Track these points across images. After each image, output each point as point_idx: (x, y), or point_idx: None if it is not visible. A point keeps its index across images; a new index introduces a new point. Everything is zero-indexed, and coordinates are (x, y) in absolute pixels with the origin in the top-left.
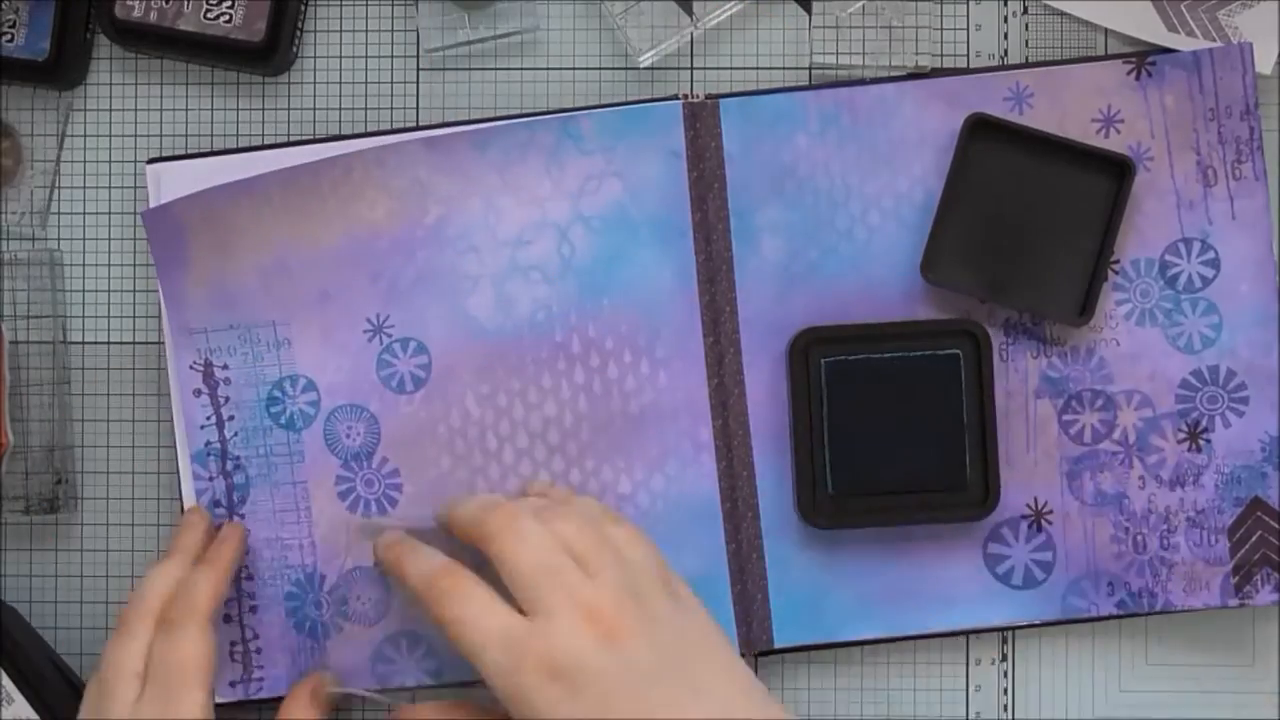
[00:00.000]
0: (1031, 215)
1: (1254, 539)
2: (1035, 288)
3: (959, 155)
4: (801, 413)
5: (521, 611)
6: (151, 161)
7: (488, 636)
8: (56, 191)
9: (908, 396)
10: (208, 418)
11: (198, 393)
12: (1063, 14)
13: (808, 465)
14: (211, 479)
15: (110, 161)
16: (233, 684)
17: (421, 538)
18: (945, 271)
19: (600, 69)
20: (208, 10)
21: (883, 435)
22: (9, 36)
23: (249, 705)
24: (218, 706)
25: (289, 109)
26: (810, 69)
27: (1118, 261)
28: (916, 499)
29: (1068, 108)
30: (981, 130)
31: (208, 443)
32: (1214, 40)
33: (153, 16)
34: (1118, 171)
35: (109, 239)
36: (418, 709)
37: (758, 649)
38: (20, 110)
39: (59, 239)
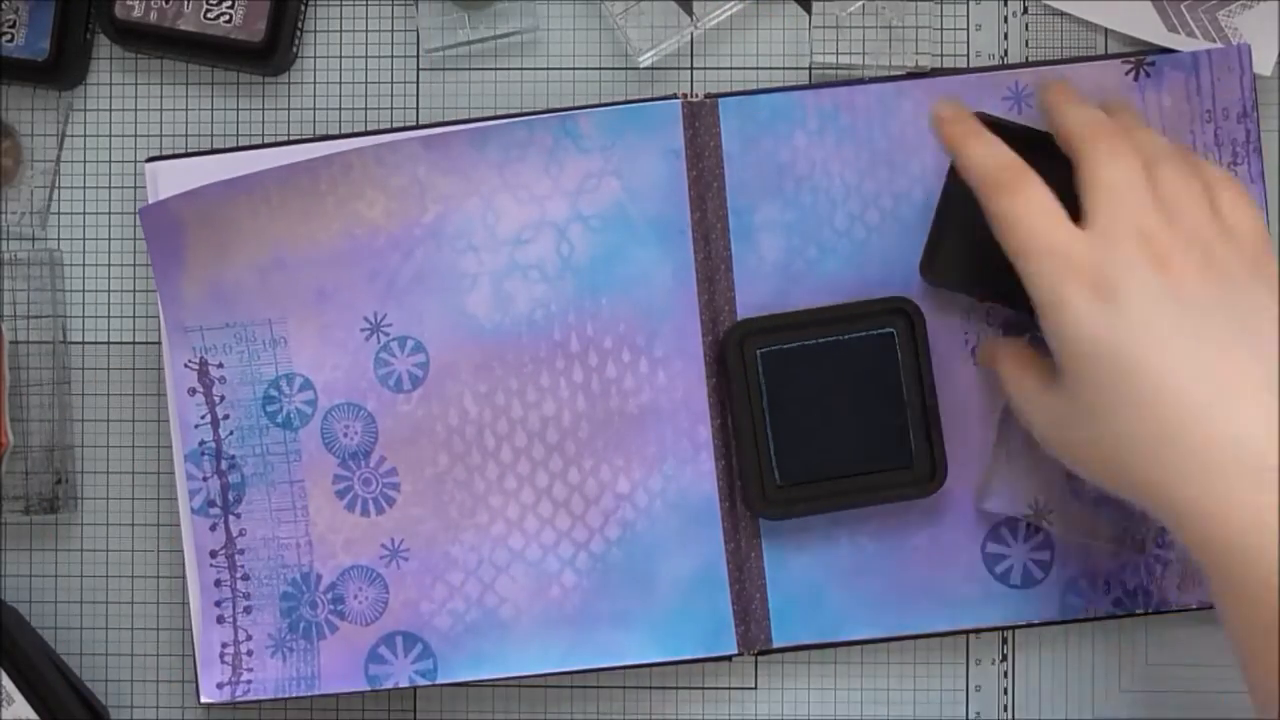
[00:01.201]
0: None
1: None
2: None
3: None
4: (742, 405)
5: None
6: (150, 160)
7: (1037, 238)
8: (56, 191)
9: (846, 379)
10: (202, 416)
11: (192, 391)
12: (1063, 14)
13: (753, 458)
14: (205, 479)
15: (110, 161)
16: (219, 685)
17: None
18: (943, 271)
19: (600, 69)
20: (208, 10)
21: (825, 420)
22: (9, 36)
23: (244, 705)
24: (205, 708)
25: (289, 109)
26: (810, 69)
27: None
28: (864, 481)
29: None
30: None
31: (202, 442)
32: (1214, 41)
33: (153, 16)
34: None
35: (109, 239)
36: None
37: (756, 648)
38: (20, 110)
39: (59, 239)
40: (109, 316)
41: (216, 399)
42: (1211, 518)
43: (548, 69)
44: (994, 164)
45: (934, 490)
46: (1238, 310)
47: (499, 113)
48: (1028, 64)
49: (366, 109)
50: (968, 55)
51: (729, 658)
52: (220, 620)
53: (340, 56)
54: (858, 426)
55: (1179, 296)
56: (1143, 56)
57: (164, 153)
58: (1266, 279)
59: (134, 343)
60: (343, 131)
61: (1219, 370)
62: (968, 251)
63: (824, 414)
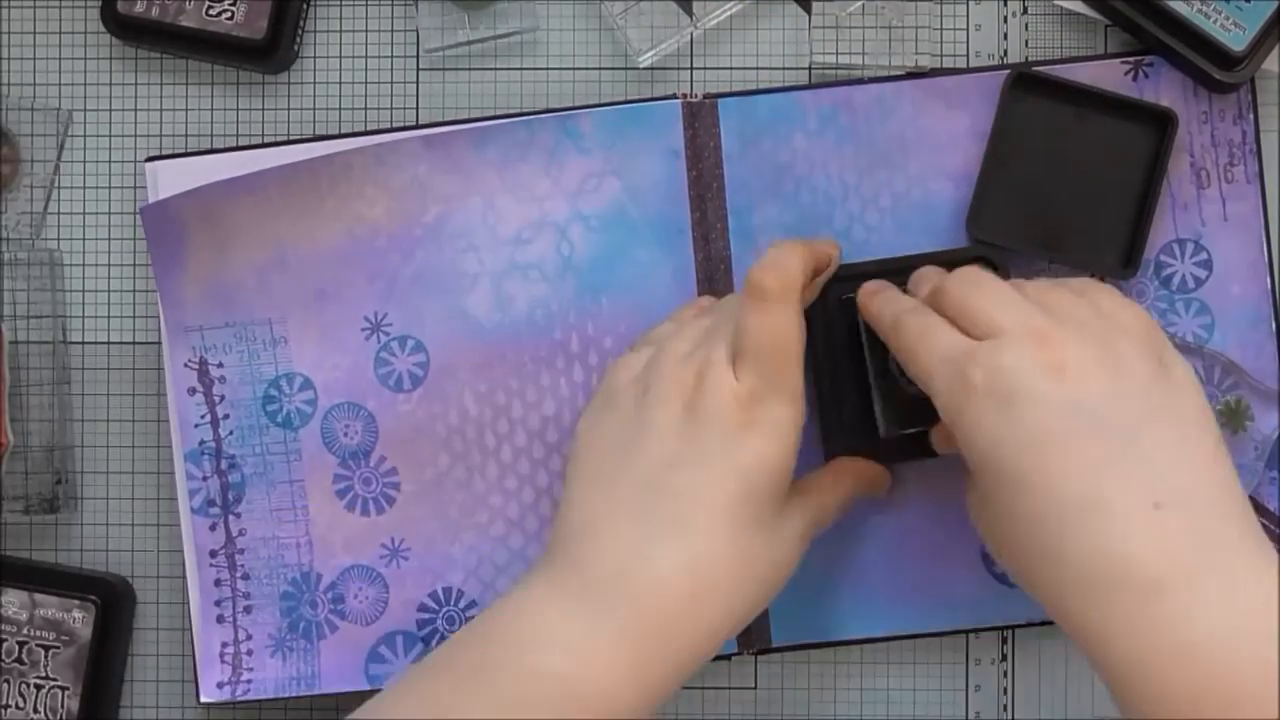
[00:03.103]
0: (1074, 169)
1: None
2: (1080, 242)
3: (1001, 110)
4: (824, 352)
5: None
6: (150, 159)
7: (936, 355)
8: (56, 192)
9: None
10: (202, 416)
11: (192, 391)
12: (1063, 13)
13: (833, 405)
14: (205, 478)
15: (110, 161)
16: (220, 685)
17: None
18: (989, 227)
19: (600, 69)
20: (210, 7)
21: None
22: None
23: (244, 705)
24: (205, 707)
25: (289, 108)
26: (810, 69)
27: None
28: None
29: None
30: (1023, 85)
31: (201, 441)
32: None
33: (154, 12)
34: (1160, 123)
35: (109, 239)
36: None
37: (756, 647)
38: (21, 111)
39: (59, 239)
40: (109, 316)
41: (216, 398)
42: (1094, 633)
43: (548, 69)
44: (899, 311)
45: None
46: (1133, 414)
47: (499, 113)
48: (1027, 63)
49: (366, 109)
50: (968, 55)
51: (728, 657)
52: (220, 620)
53: (340, 56)
54: None
55: (1074, 402)
56: (1141, 57)
57: (164, 152)
58: (1166, 375)
59: (134, 343)
60: (343, 131)
61: (1101, 481)
62: (1013, 207)
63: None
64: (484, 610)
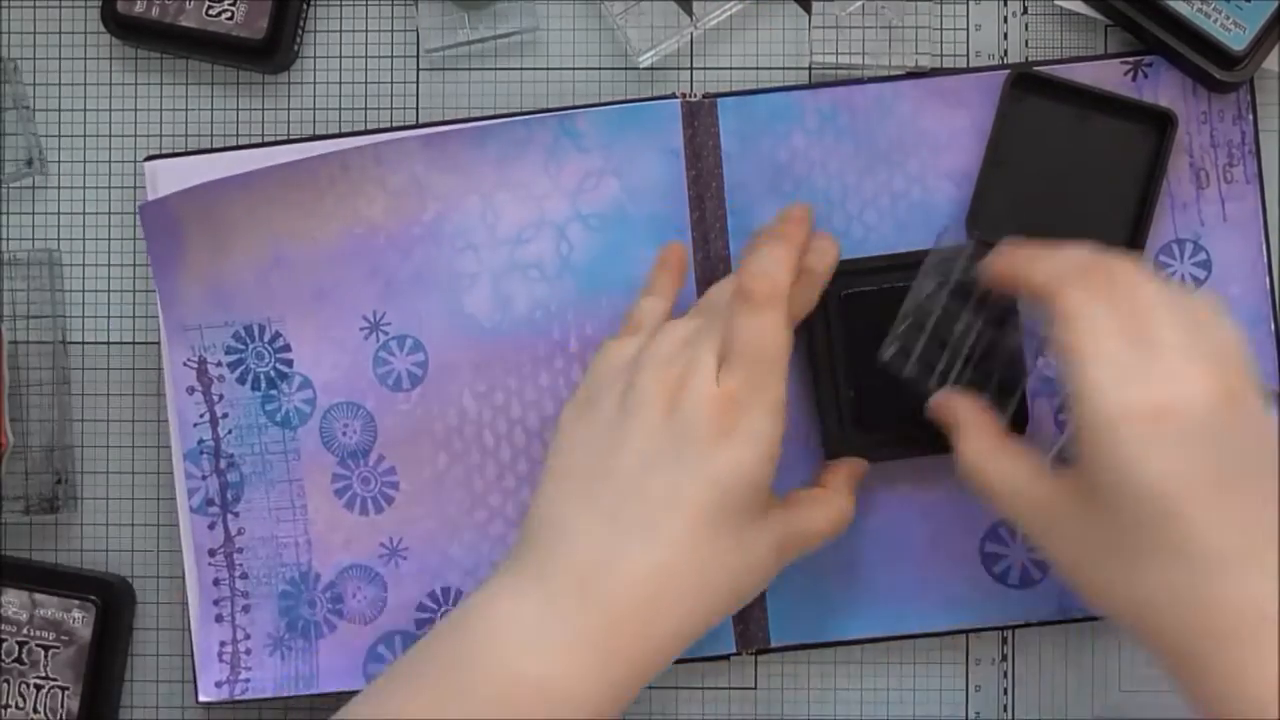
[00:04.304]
0: (1074, 169)
1: None
2: (1079, 241)
3: (1001, 110)
4: (822, 346)
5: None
6: (149, 159)
7: (1104, 339)
8: (57, 192)
9: None
10: (201, 415)
11: (191, 390)
12: (1063, 12)
13: (832, 400)
14: (204, 477)
15: (110, 161)
16: (218, 684)
17: None
18: (989, 227)
19: (600, 69)
20: (210, 7)
21: None
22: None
23: (244, 705)
24: (204, 707)
25: (289, 108)
26: (810, 69)
27: None
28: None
29: None
30: (1023, 85)
31: (200, 440)
32: None
33: (154, 12)
34: (1160, 124)
35: (108, 239)
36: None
37: (754, 647)
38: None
39: (59, 239)
40: (109, 316)
41: (215, 397)
42: (1228, 679)
43: (548, 69)
44: (1070, 263)
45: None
46: (1249, 446)
47: (499, 113)
48: (1027, 64)
49: (366, 109)
50: (968, 55)
51: (727, 657)
52: (219, 619)
53: (340, 56)
54: None
55: (1214, 434)
56: (1141, 57)
57: (163, 152)
58: (1261, 403)
59: (134, 343)
60: (343, 131)
61: (1239, 520)
62: (1012, 207)
63: None
64: (455, 611)
